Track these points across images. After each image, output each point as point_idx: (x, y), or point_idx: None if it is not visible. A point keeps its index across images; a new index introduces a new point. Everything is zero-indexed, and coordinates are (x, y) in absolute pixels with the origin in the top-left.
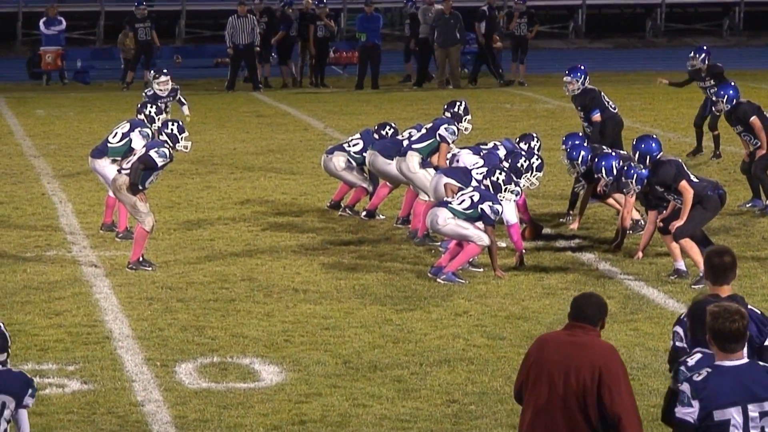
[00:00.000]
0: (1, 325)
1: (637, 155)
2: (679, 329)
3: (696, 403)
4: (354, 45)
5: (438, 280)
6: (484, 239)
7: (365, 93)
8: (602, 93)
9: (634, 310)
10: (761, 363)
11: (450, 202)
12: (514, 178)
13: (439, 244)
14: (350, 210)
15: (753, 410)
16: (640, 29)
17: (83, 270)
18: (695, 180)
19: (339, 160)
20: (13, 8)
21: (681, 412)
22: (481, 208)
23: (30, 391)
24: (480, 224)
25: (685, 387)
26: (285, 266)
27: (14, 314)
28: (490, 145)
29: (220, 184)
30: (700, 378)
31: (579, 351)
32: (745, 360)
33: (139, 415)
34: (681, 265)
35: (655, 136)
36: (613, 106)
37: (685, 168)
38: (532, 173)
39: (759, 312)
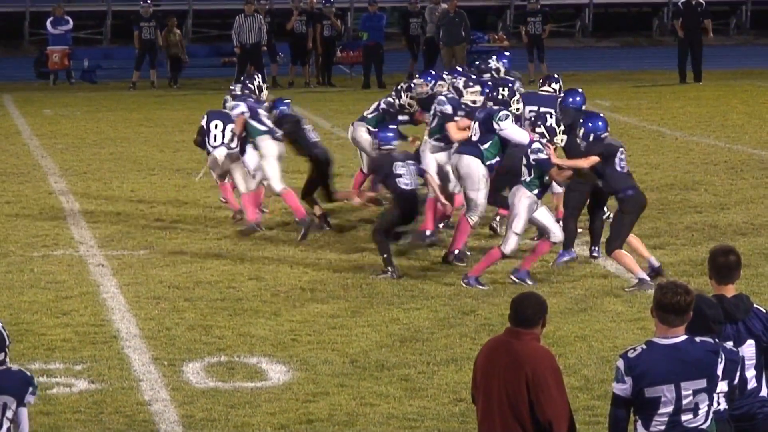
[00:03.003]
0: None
1: (581, 132)
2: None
3: (629, 380)
4: (360, 44)
5: (513, 277)
6: (558, 235)
7: (372, 92)
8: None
9: (641, 309)
10: (699, 339)
11: (524, 180)
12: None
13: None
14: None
15: (686, 388)
16: (647, 28)
17: (90, 269)
18: (618, 170)
19: (361, 130)
20: (21, 8)
21: (615, 387)
22: (534, 160)
23: (30, 389)
24: (553, 221)
25: (620, 363)
26: (292, 265)
27: (21, 314)
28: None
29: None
30: (634, 354)
31: (510, 358)
32: (683, 337)
33: (147, 414)
34: (642, 274)
35: (602, 115)
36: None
37: (619, 156)
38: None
39: (765, 311)
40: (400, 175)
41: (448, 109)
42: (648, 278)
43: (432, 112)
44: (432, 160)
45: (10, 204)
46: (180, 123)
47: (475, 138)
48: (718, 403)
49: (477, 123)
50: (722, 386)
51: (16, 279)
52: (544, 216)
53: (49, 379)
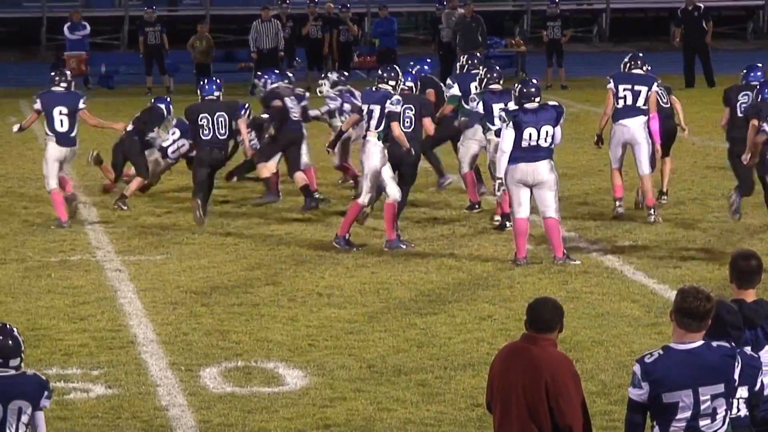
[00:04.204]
0: (14, 330)
1: None
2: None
3: (646, 385)
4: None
5: None
6: None
7: None
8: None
9: (658, 314)
10: (715, 344)
11: None
12: None
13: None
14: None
15: (704, 393)
16: (663, 33)
17: (108, 275)
18: None
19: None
20: (38, 13)
21: (631, 392)
22: None
23: (46, 393)
24: None
25: (637, 368)
26: (309, 270)
27: (39, 319)
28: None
29: (244, 187)
30: (650, 360)
31: (528, 364)
32: (700, 342)
33: (164, 419)
34: None
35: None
36: None
37: None
38: None
39: None
40: (202, 126)
41: (398, 108)
42: None
43: (378, 112)
44: (379, 159)
45: (27, 209)
46: None
47: None
48: (738, 409)
49: None
50: (742, 392)
51: (34, 284)
52: None
53: (67, 384)
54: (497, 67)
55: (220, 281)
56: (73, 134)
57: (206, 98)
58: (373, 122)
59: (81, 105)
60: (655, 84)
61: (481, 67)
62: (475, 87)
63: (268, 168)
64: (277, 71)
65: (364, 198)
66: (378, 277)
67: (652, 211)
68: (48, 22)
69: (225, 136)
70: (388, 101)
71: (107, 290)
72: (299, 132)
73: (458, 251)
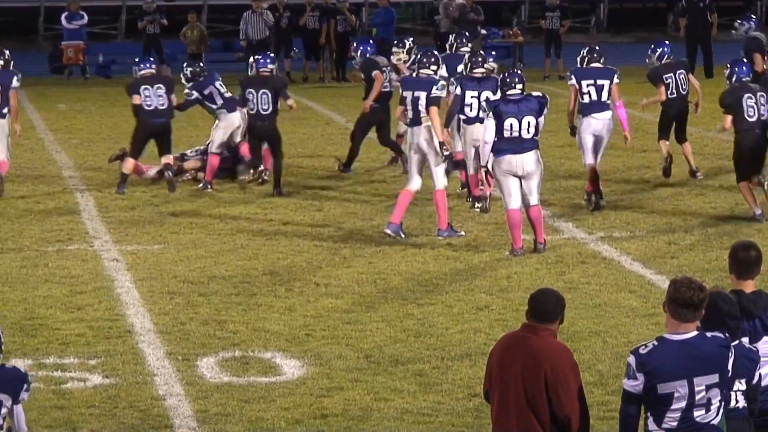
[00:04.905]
0: None
1: None
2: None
3: (641, 376)
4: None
5: None
6: None
7: None
8: None
9: (655, 304)
10: (710, 334)
11: None
12: None
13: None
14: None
15: (699, 383)
16: (662, 23)
17: (105, 264)
18: None
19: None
20: (35, 3)
21: (626, 384)
22: None
23: (25, 386)
24: None
25: (631, 359)
26: (306, 260)
27: (36, 308)
28: None
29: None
30: (645, 351)
31: (528, 354)
32: (694, 332)
33: (161, 409)
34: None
35: None
36: None
37: None
38: None
39: None
40: (249, 100)
41: (443, 93)
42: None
43: (426, 98)
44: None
45: (25, 199)
46: (195, 118)
47: None
48: (737, 401)
49: None
50: (740, 385)
51: (31, 274)
52: None
53: (64, 374)
54: (482, 52)
55: (218, 271)
56: (4, 110)
57: (261, 71)
58: (423, 107)
59: (14, 83)
60: (616, 76)
61: (468, 46)
62: (462, 69)
63: (131, 163)
64: (150, 59)
65: (444, 181)
66: (375, 267)
67: (593, 197)
68: (45, 12)
69: (268, 111)
70: (434, 87)
71: (104, 280)
72: (164, 122)
73: (455, 241)
